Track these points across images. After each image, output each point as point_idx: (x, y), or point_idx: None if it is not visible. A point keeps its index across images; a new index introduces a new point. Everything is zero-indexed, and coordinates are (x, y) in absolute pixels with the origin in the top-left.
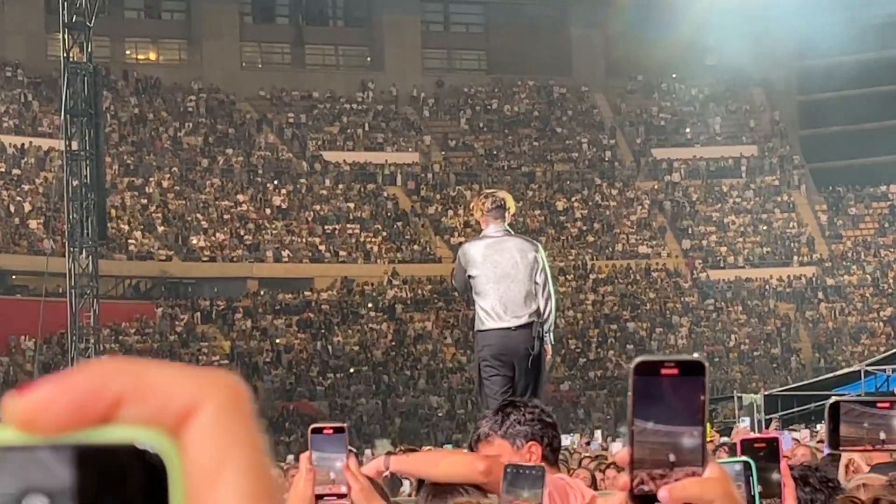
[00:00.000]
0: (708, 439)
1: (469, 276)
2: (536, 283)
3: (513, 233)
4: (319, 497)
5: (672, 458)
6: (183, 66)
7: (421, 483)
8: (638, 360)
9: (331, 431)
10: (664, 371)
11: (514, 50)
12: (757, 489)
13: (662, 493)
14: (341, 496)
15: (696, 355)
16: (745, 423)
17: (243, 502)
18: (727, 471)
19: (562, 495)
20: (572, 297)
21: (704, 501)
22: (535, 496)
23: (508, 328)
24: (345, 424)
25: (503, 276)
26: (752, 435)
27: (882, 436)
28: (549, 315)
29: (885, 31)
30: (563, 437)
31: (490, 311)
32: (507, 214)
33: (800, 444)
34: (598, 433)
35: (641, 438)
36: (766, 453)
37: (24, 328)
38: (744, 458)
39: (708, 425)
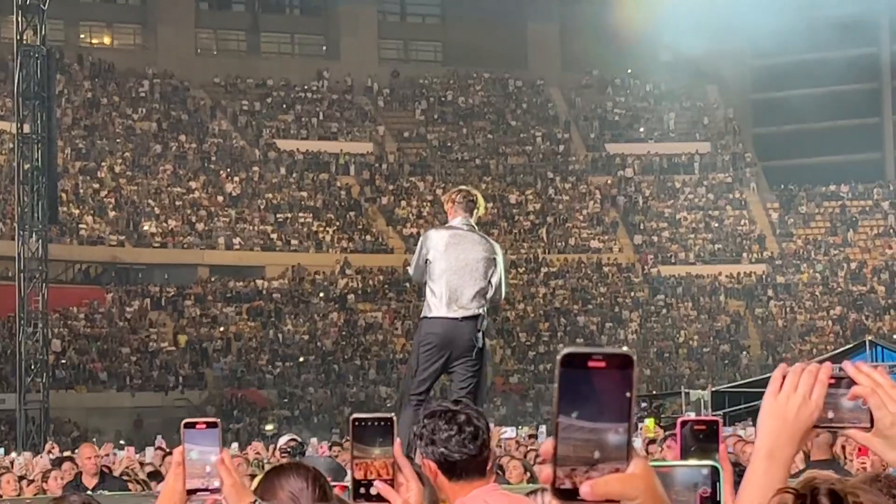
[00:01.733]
0: (652, 434)
1: (426, 260)
2: (490, 283)
3: (477, 229)
4: (192, 492)
5: (597, 454)
6: (137, 51)
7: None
8: (565, 351)
9: (204, 426)
10: (592, 364)
11: (471, 42)
12: (722, 494)
13: (585, 489)
14: (214, 490)
15: (625, 349)
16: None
17: None
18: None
19: None
20: (523, 290)
21: (627, 497)
22: (385, 453)
23: (455, 318)
24: (217, 420)
25: (459, 269)
26: (693, 417)
27: (830, 415)
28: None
29: (838, 31)
30: (507, 429)
31: (440, 298)
32: (475, 212)
33: (745, 442)
34: (543, 427)
35: (566, 434)
36: (705, 435)
37: None
38: (710, 462)
39: (652, 420)
